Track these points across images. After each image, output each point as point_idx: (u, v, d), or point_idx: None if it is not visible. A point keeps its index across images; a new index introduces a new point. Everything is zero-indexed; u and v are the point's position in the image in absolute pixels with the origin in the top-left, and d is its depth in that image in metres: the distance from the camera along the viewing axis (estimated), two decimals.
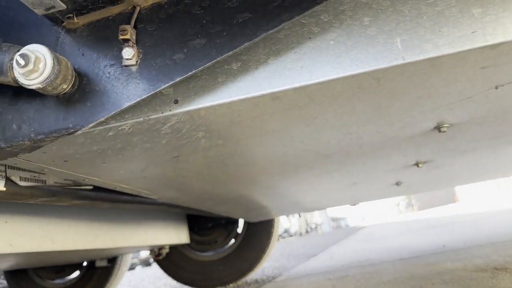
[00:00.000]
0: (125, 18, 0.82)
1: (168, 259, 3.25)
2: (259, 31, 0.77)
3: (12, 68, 0.75)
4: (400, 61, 0.78)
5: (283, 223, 22.79)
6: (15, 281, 3.13)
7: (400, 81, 0.86)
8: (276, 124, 1.00)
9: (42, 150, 0.90)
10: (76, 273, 3.13)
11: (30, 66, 0.72)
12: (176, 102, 0.84)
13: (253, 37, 0.77)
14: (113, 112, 0.79)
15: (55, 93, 0.78)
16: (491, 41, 0.76)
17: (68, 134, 0.82)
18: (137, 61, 0.79)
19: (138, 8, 0.81)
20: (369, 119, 1.08)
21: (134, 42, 0.80)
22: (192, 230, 3.20)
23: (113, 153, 1.02)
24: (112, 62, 0.80)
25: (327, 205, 3.22)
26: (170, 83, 0.78)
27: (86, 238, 1.93)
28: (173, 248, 3.23)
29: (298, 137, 1.13)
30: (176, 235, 2.87)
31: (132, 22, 0.80)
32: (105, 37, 0.82)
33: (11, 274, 3.15)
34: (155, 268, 9.67)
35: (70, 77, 0.78)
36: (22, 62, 0.73)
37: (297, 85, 0.81)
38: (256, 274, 3.87)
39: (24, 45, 0.75)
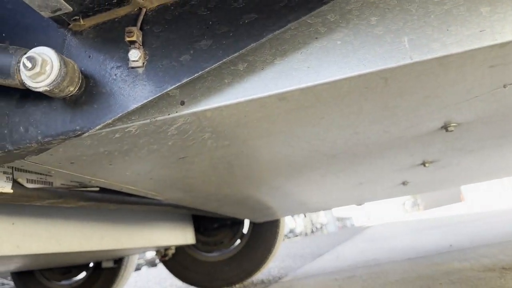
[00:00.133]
0: (131, 20, 0.82)
1: (174, 260, 3.25)
2: (265, 32, 0.76)
3: (19, 70, 0.75)
4: (408, 61, 0.77)
5: (288, 223, 22.78)
6: (22, 282, 3.15)
7: (407, 80, 0.85)
8: (282, 125, 1.00)
9: (49, 153, 0.90)
10: (82, 274, 3.14)
11: (37, 69, 0.72)
12: (182, 103, 0.84)
13: (259, 38, 0.76)
14: (120, 114, 0.79)
15: (62, 95, 0.78)
16: (499, 39, 0.76)
17: (75, 136, 0.82)
18: (143, 63, 0.79)
19: (144, 10, 0.81)
20: (376, 119, 1.08)
21: (141, 44, 0.80)
22: (197, 231, 3.20)
23: (120, 155, 1.02)
24: (119, 64, 0.80)
25: (332, 205, 3.21)
26: (177, 85, 0.78)
27: (93, 240, 1.93)
28: (179, 248, 3.23)
29: (304, 137, 1.13)
30: (182, 235, 2.87)
31: (138, 24, 0.80)
32: (112, 39, 0.82)
33: (18, 275, 3.17)
34: (161, 268, 9.69)
35: (76, 80, 0.78)
36: (29, 64, 0.73)
37: (303, 85, 0.80)
38: (262, 274, 3.86)
39: (30, 48, 0.75)
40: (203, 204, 2.04)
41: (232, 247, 3.27)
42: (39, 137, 0.83)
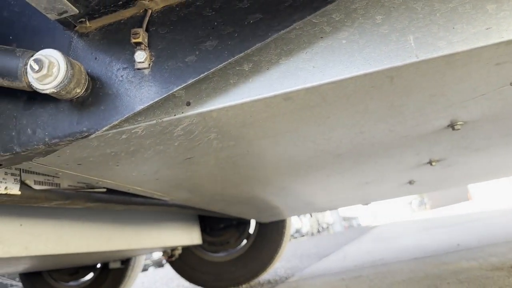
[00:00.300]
0: (137, 21, 0.82)
1: (181, 260, 3.26)
2: (271, 32, 0.77)
3: (26, 73, 0.75)
4: (414, 59, 0.77)
5: (294, 223, 22.76)
6: (30, 283, 3.17)
7: (413, 79, 0.85)
8: (288, 125, 1.00)
9: (56, 154, 0.91)
10: (90, 275, 3.16)
11: (44, 71, 0.73)
12: (188, 104, 0.84)
13: (264, 38, 0.77)
14: (127, 115, 0.80)
15: (69, 97, 0.79)
16: (506, 37, 0.75)
17: (82, 138, 0.83)
18: (149, 64, 0.80)
19: (149, 11, 0.82)
20: (382, 118, 1.08)
21: (146, 45, 0.80)
22: (204, 231, 3.20)
23: (126, 156, 1.02)
24: (125, 66, 0.81)
25: (339, 205, 3.21)
26: (182, 86, 0.78)
27: (100, 240, 1.94)
28: (186, 249, 3.24)
29: (310, 137, 1.13)
30: (188, 236, 2.88)
31: (144, 25, 0.81)
32: (118, 41, 0.82)
33: (26, 276, 3.19)
34: (168, 269, 9.71)
35: (83, 81, 0.79)
36: (36, 67, 0.73)
37: (309, 85, 0.80)
38: (268, 274, 3.86)
39: (37, 50, 0.76)
40: (209, 205, 2.04)
41: (239, 247, 3.27)
42: (47, 139, 0.83)
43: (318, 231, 28.40)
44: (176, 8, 0.81)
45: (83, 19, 0.82)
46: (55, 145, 0.84)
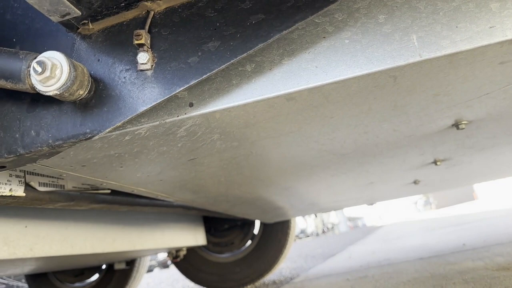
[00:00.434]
0: (139, 23, 0.82)
1: (186, 261, 3.27)
2: (273, 32, 0.76)
3: (30, 75, 0.76)
4: (417, 58, 0.77)
5: (299, 223, 22.73)
6: (36, 285, 3.18)
7: (417, 78, 0.85)
8: (291, 125, 1.00)
9: (60, 156, 0.91)
10: (95, 276, 3.17)
11: (47, 73, 0.73)
12: (191, 105, 0.84)
13: (266, 38, 0.76)
14: (130, 117, 0.80)
15: (72, 99, 0.79)
16: (510, 35, 0.75)
17: (85, 139, 0.83)
18: (152, 66, 0.80)
19: (152, 13, 0.82)
20: (386, 118, 1.07)
21: (149, 47, 0.80)
22: (208, 232, 3.21)
23: (130, 157, 1.02)
24: (128, 67, 0.81)
25: (343, 205, 3.20)
26: (185, 87, 0.78)
27: (105, 242, 1.95)
28: (191, 250, 3.24)
29: (313, 137, 1.13)
30: (193, 237, 2.88)
31: (146, 27, 0.81)
32: (120, 42, 0.82)
33: (32, 278, 3.20)
34: (173, 270, 9.73)
35: (86, 83, 0.79)
36: (39, 69, 0.73)
37: (312, 85, 0.80)
38: (273, 275, 3.86)
39: (40, 52, 0.76)
40: (213, 205, 2.04)
41: (243, 248, 3.27)
42: (50, 141, 0.83)
43: (323, 231, 28.35)
44: (178, 9, 0.81)
45: (86, 21, 0.82)
46: (59, 146, 0.84)
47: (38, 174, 1.25)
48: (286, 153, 1.24)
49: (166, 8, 0.82)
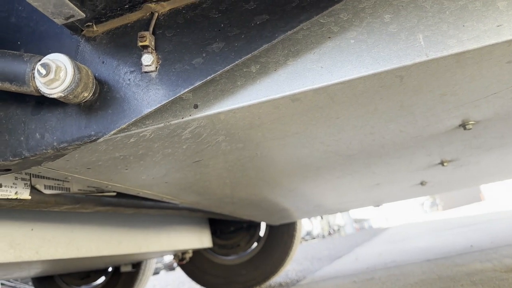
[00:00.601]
0: (143, 24, 0.82)
1: (192, 264, 3.26)
2: (278, 33, 0.76)
3: (34, 77, 0.76)
4: (424, 58, 0.76)
5: (305, 225, 22.69)
6: (42, 287, 3.19)
7: (423, 78, 0.84)
8: (296, 126, 0.99)
9: (65, 158, 0.91)
10: (101, 279, 3.17)
11: (51, 75, 0.73)
12: (196, 107, 0.84)
13: (271, 39, 0.76)
14: (134, 119, 0.80)
15: (77, 101, 0.79)
16: None
17: (90, 142, 0.82)
18: (156, 67, 0.79)
19: (156, 14, 0.81)
20: (392, 118, 1.06)
21: (153, 48, 0.80)
22: (214, 234, 3.20)
23: (135, 159, 1.02)
24: (132, 69, 0.81)
25: (349, 207, 3.18)
26: (190, 88, 0.78)
27: (110, 244, 1.95)
28: (197, 252, 3.24)
29: (319, 138, 1.12)
30: (198, 239, 2.88)
31: (151, 29, 0.80)
32: (124, 44, 0.82)
33: (38, 281, 3.21)
34: (179, 272, 9.73)
35: (91, 85, 0.79)
36: (43, 71, 0.73)
37: (317, 85, 0.79)
38: (280, 277, 3.85)
39: (45, 55, 0.76)
40: (219, 207, 2.04)
41: (249, 250, 3.26)
42: (55, 143, 0.83)
43: (329, 233, 28.27)
44: (182, 10, 0.81)
45: (90, 23, 0.82)
46: (64, 149, 0.84)
47: (43, 177, 1.25)
48: (292, 154, 1.23)
49: (170, 9, 0.82)
